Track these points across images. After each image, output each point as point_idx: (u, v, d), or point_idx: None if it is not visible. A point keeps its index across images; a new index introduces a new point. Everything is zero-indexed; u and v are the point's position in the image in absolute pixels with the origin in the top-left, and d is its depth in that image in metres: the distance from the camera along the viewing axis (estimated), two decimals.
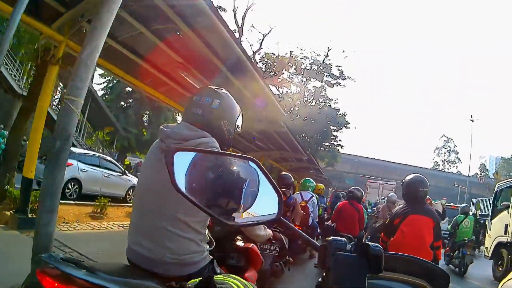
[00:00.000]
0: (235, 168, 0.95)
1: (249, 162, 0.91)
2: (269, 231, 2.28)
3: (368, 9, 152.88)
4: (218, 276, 1.26)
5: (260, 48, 24.40)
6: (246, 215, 0.94)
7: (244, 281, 1.26)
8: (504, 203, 9.86)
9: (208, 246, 1.82)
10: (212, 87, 1.93)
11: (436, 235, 3.70)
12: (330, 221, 7.70)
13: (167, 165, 0.93)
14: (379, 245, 0.92)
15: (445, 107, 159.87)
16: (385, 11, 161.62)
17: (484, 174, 60.33)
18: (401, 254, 1.31)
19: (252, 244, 2.72)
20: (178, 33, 6.46)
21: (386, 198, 10.70)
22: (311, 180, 7.95)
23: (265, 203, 0.92)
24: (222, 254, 2.51)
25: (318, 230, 8.19)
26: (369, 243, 0.93)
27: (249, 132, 10.88)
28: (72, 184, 11.66)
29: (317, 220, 8.13)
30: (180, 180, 0.92)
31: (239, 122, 2.01)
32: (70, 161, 11.00)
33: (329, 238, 0.98)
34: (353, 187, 7.79)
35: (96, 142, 25.84)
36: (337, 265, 0.92)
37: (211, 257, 1.81)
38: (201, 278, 1.15)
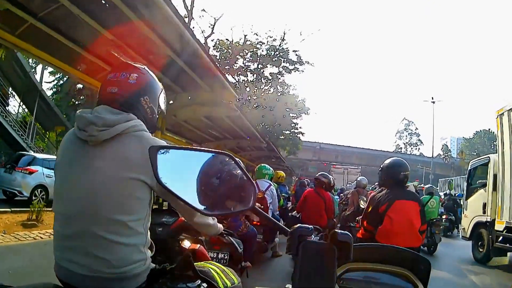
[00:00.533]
0: (212, 162, 1.03)
1: (225, 157, 1.03)
2: (220, 225, 2.03)
3: None
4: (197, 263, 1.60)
5: (212, 33, 23.05)
6: (222, 206, 1.04)
7: (222, 266, 1.71)
8: (480, 181, 9.46)
9: (150, 252, 1.62)
10: (129, 62, 1.76)
11: (422, 219, 3.62)
12: (295, 211, 7.21)
13: (152, 162, 0.97)
14: (348, 233, 0.95)
15: (406, 90, 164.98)
16: None
17: (447, 154, 62.26)
18: (382, 244, 1.69)
19: (199, 245, 2.46)
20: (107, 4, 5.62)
21: (354, 183, 9.93)
22: (267, 166, 6.95)
23: (240, 194, 1.02)
24: (165, 259, 2.14)
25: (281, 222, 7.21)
26: (337, 230, 0.95)
27: (200, 119, 9.90)
28: (39, 190, 11.57)
29: (278, 212, 7.28)
30: (163, 175, 0.96)
31: (161, 100, 1.81)
32: (34, 167, 11.71)
33: (295, 226, 1.00)
34: (319, 173, 7.21)
35: (48, 144, 24.56)
36: (305, 252, 0.94)
37: (154, 265, 1.61)
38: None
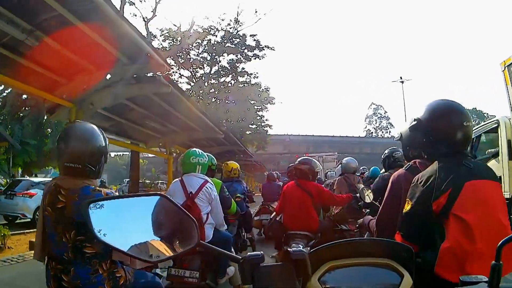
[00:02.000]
0: (144, 207, 1.03)
1: (157, 197, 1.05)
2: None
3: None
4: None
5: (154, 15, 20.51)
6: (165, 250, 0.99)
7: None
8: (489, 150, 7.75)
9: None
10: None
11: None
12: (275, 212, 5.15)
13: (85, 218, 0.98)
14: (302, 249, 0.97)
15: (371, 72, 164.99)
16: None
17: None
18: (358, 238, 1.59)
19: None
20: None
21: (336, 170, 7.74)
22: (199, 151, 4.19)
23: (182, 233, 1.03)
24: None
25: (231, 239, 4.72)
26: (289, 249, 0.96)
27: (124, 105, 7.75)
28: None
29: (225, 227, 4.40)
30: (99, 230, 0.96)
31: None
32: (33, 191, 12.60)
33: (245, 255, 0.99)
34: (298, 160, 5.07)
35: None
36: (260, 278, 0.94)
37: None
38: None
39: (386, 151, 5.01)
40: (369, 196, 4.65)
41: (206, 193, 3.86)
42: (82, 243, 2.08)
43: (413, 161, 2.15)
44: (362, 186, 5.36)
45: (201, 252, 3.55)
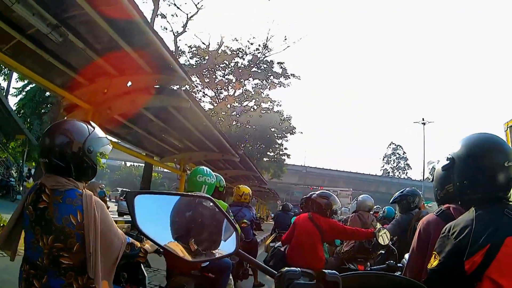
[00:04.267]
0: (192, 207, 1.07)
1: (205, 200, 1.07)
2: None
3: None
4: None
5: (184, 31, 20.69)
6: (202, 252, 1.01)
7: None
8: None
9: None
10: None
11: None
12: (280, 242, 4.80)
13: (129, 208, 0.99)
14: (336, 272, 0.90)
15: (392, 112, 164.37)
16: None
17: None
18: (385, 272, 1.45)
19: None
20: None
21: (354, 203, 7.35)
22: (207, 171, 3.88)
23: (223, 238, 1.02)
24: None
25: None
26: (325, 270, 0.91)
27: (142, 114, 7.63)
28: None
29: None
30: (142, 222, 0.98)
31: None
32: None
33: (283, 269, 0.95)
34: (317, 192, 4.68)
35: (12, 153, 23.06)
36: None
37: None
38: None
39: (398, 193, 4.82)
40: (385, 238, 4.27)
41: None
42: (59, 251, 1.89)
43: (446, 205, 1.79)
44: (379, 226, 5.01)
45: (196, 275, 3.53)
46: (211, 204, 1.02)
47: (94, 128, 2.13)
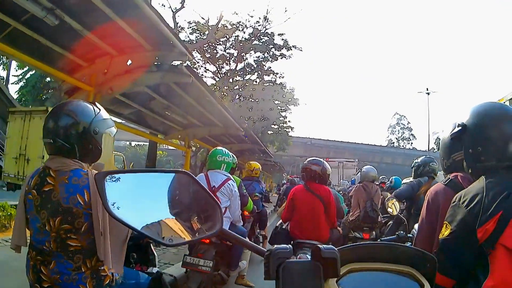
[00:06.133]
0: (165, 184, 0.95)
1: (180, 175, 0.96)
2: None
3: None
4: None
5: (183, 7, 20.25)
6: (183, 233, 0.91)
7: None
8: None
9: None
10: None
11: None
12: (281, 220, 4.73)
13: (99, 191, 0.90)
14: (333, 247, 0.83)
15: (397, 81, 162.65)
16: None
17: None
18: (385, 242, 1.40)
19: None
20: None
21: (358, 175, 7.46)
22: (225, 151, 4.53)
23: (203, 217, 0.94)
24: None
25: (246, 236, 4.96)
26: (321, 246, 0.83)
27: (144, 93, 7.58)
28: None
29: (241, 223, 4.69)
30: (114, 206, 0.89)
31: None
32: None
33: (272, 247, 0.86)
34: (307, 160, 4.65)
35: None
36: (285, 275, 0.83)
37: None
38: None
39: (419, 160, 4.73)
40: (394, 208, 4.32)
41: (228, 188, 4.16)
42: (66, 233, 1.87)
43: (453, 174, 1.77)
44: (389, 195, 5.05)
45: (217, 243, 3.86)
46: (189, 179, 0.94)
47: (100, 109, 2.12)
